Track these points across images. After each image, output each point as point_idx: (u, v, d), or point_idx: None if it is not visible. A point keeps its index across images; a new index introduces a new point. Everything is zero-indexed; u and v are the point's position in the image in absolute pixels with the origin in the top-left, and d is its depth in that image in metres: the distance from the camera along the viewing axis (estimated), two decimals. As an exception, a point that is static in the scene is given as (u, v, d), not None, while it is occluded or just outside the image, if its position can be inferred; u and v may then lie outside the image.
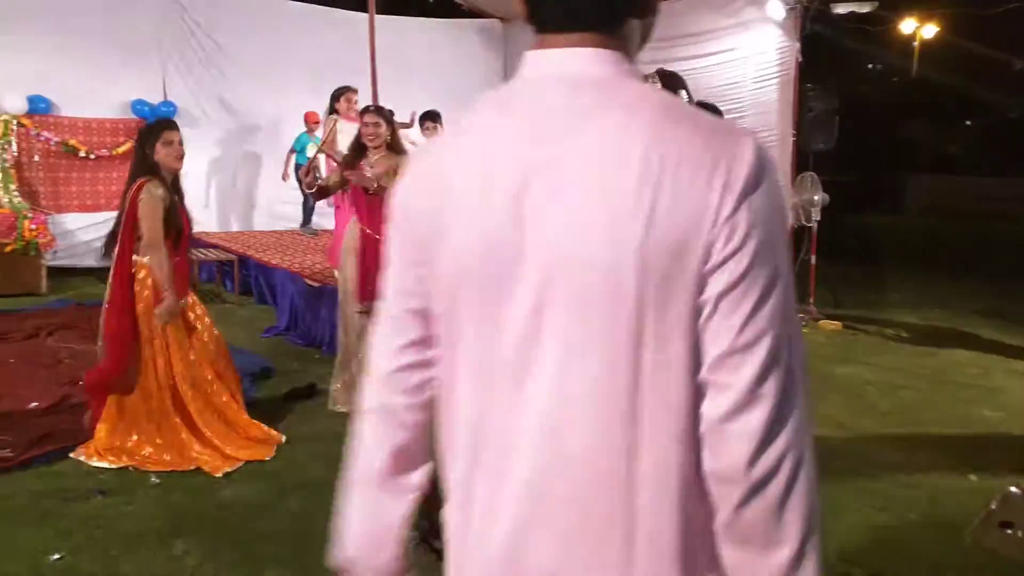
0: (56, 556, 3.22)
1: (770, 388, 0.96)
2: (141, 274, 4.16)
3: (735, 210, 0.95)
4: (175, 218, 4.18)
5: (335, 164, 5.90)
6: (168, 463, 4.08)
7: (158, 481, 3.94)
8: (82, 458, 4.11)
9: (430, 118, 7.34)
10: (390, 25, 9.92)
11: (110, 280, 4.25)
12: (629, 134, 0.98)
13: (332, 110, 7.68)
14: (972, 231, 13.66)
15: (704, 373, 0.98)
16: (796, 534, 0.98)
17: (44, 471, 4.01)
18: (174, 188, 4.26)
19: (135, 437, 4.16)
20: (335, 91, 7.73)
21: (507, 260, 1.02)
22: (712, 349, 0.97)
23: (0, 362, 5.75)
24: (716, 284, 0.95)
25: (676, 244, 0.95)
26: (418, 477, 1.23)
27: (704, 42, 9.27)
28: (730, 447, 0.97)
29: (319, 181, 5.34)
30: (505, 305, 1.03)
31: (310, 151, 9.52)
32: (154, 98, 9.54)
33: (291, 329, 6.94)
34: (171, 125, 4.31)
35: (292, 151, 9.73)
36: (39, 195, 9.13)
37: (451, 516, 1.15)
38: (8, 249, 8.20)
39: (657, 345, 0.97)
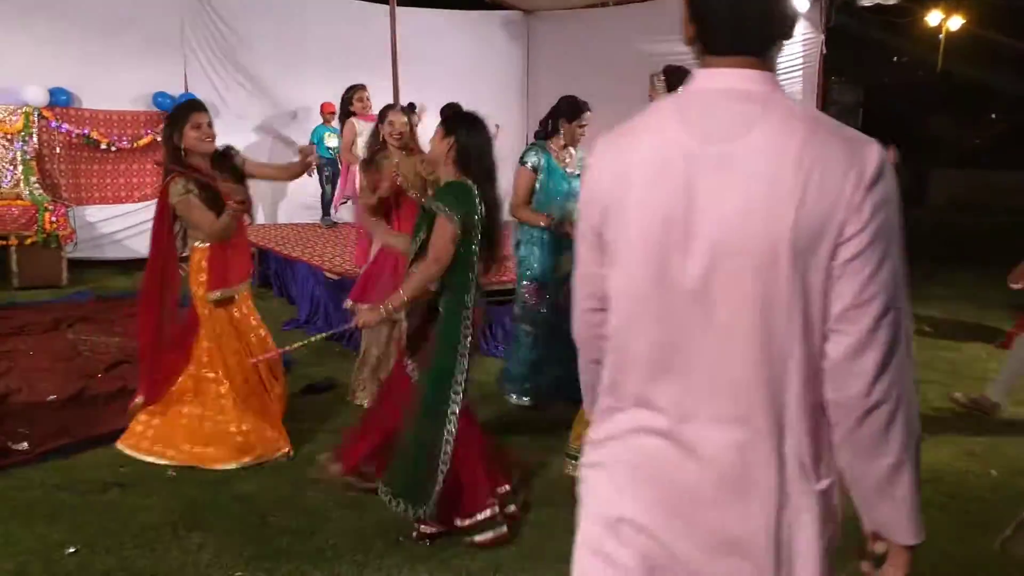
0: (71, 550, 3.21)
1: (881, 336, 1.28)
2: (195, 257, 4.09)
3: (863, 200, 1.26)
4: (218, 203, 4.00)
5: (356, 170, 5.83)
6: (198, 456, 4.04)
7: (174, 474, 3.92)
8: (126, 450, 4.10)
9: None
10: (412, 17, 9.88)
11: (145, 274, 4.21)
12: (785, 138, 1.29)
13: (347, 113, 7.64)
14: (996, 225, 13.48)
15: (830, 323, 1.30)
16: (897, 449, 1.34)
17: (60, 464, 4.00)
18: (217, 166, 4.11)
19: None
20: (345, 93, 7.68)
21: (679, 232, 1.33)
22: (837, 304, 1.29)
23: (19, 354, 5.76)
24: (844, 254, 1.27)
25: (818, 223, 1.26)
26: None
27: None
28: (849, 381, 1.30)
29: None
30: (676, 273, 1.34)
31: (328, 141, 9.52)
32: (175, 90, 9.53)
33: (310, 322, 6.91)
34: (198, 106, 4.13)
35: (312, 143, 9.73)
36: (60, 187, 9.15)
37: (618, 425, 1.47)
38: (29, 241, 8.24)
39: (799, 300, 1.29)
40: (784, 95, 1.37)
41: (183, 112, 4.06)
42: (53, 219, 8.36)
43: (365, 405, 4.79)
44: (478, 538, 3.32)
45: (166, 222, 4.05)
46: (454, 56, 10.74)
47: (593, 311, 1.53)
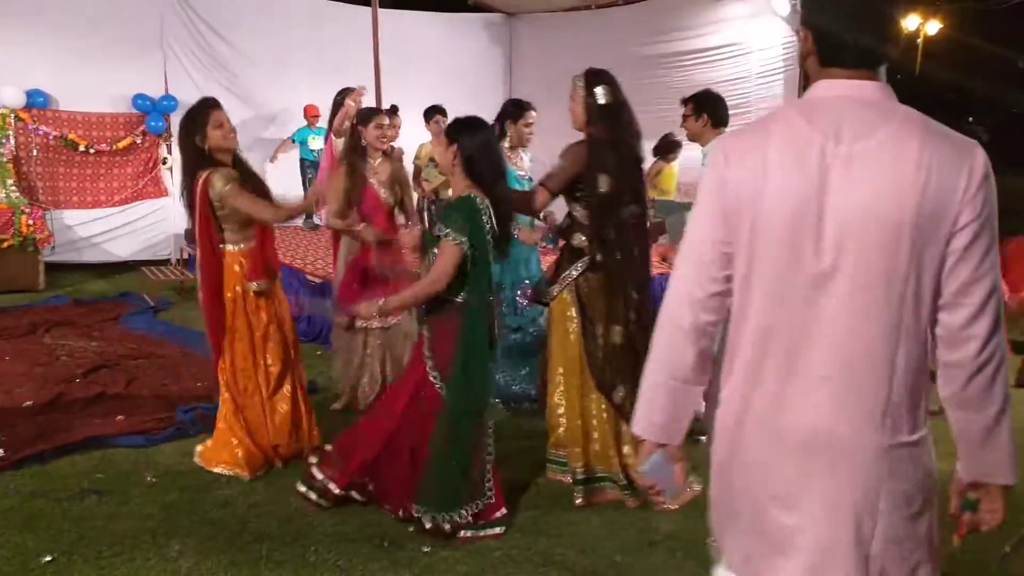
0: (48, 558, 3.15)
1: (991, 306, 1.56)
2: (227, 260, 3.95)
3: (975, 193, 1.53)
4: (263, 191, 3.95)
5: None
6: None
7: (154, 480, 3.87)
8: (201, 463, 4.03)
9: (438, 112, 7.25)
10: (394, 19, 9.85)
11: (198, 274, 4.07)
12: (905, 140, 1.54)
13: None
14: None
15: (946, 298, 1.57)
16: (1000, 399, 1.61)
17: (37, 470, 3.93)
18: (237, 168, 3.94)
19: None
20: (337, 96, 7.58)
21: (811, 218, 1.57)
22: (954, 282, 1.55)
23: (-5, 359, 5.68)
24: (959, 241, 1.54)
25: (936, 212, 1.52)
26: (707, 376, 1.79)
27: (709, 35, 9.21)
28: (967, 344, 1.57)
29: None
30: (807, 249, 1.58)
31: (312, 143, 9.48)
32: (155, 92, 9.45)
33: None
34: (216, 104, 3.92)
35: (291, 141, 9.70)
36: (37, 190, 9.04)
37: (730, 396, 1.74)
38: (5, 245, 8.13)
39: (914, 278, 1.55)
40: (898, 103, 1.61)
41: (201, 112, 3.86)
42: (30, 222, 8.27)
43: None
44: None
45: (209, 221, 3.86)
46: (436, 58, 10.72)
47: (706, 291, 1.72)
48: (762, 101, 8.76)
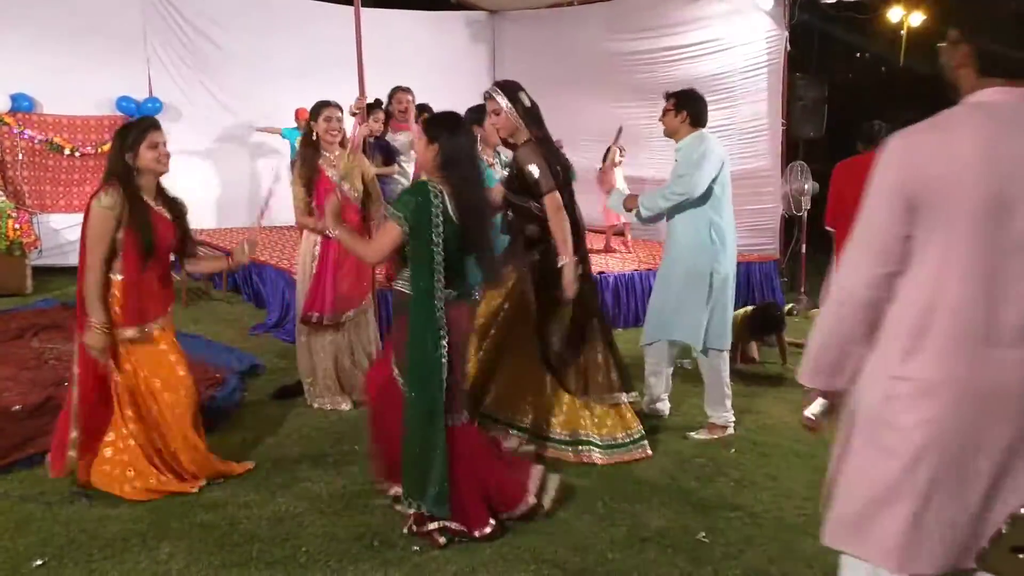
0: (39, 562, 3.16)
1: None
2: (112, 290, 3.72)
3: None
4: (144, 229, 3.66)
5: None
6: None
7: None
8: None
9: (423, 110, 7.27)
10: (377, 18, 9.84)
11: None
12: None
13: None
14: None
15: None
16: None
17: (26, 475, 3.94)
18: (159, 194, 3.81)
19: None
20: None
21: (1006, 204, 1.80)
22: None
23: (-17, 364, 5.67)
24: None
25: None
26: (869, 344, 2.00)
27: (692, 31, 9.22)
28: None
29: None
30: (1002, 229, 1.80)
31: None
32: (139, 94, 9.43)
33: (279, 326, 6.87)
34: (157, 125, 3.78)
35: (281, 134, 9.69)
36: (23, 194, 9.02)
37: (922, 368, 1.90)
38: (-8, 249, 8.11)
39: None
40: None
41: (141, 129, 3.71)
42: (17, 226, 8.25)
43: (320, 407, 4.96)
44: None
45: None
46: (420, 56, 10.71)
47: (882, 271, 1.93)
48: (746, 95, 8.78)
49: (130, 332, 3.73)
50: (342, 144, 4.92)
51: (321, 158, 4.86)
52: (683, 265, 4.54)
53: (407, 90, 7.26)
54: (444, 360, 3.34)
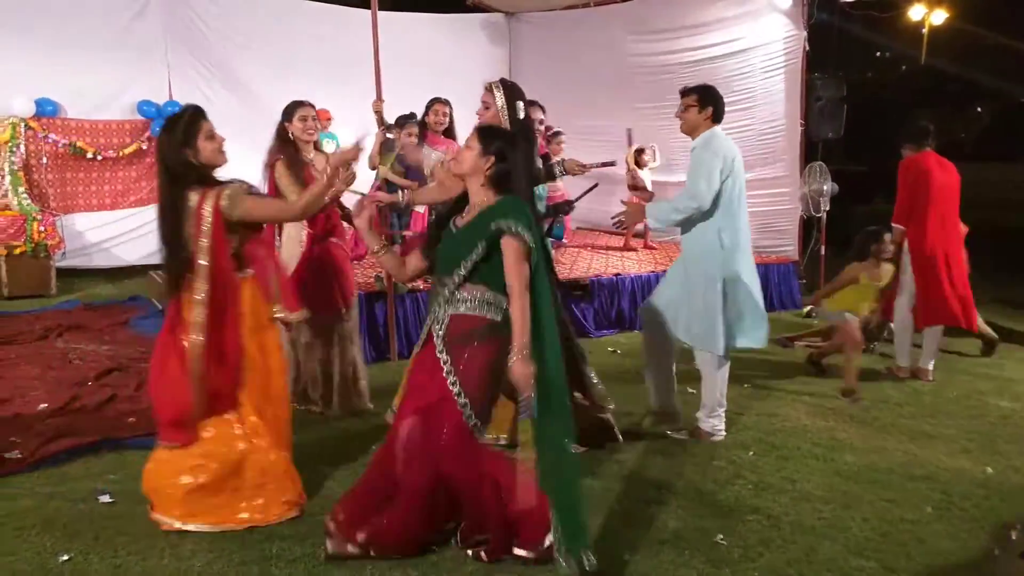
0: (65, 557, 3.22)
1: None
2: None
3: None
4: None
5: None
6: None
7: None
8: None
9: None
10: (394, 22, 9.89)
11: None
12: None
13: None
14: (980, 218, 13.54)
15: None
16: None
17: (52, 472, 4.01)
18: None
19: None
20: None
21: None
22: None
23: (9, 364, 5.76)
24: None
25: None
26: None
27: (710, 32, 9.21)
28: None
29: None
30: None
31: (325, 147, 9.55)
32: (160, 98, 9.53)
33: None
34: (203, 113, 3.54)
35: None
36: (48, 197, 9.14)
37: None
38: (18, 251, 8.23)
39: None
40: None
41: (193, 122, 3.48)
42: (41, 229, 8.37)
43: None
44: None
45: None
46: (437, 60, 10.75)
47: None
48: (765, 96, 8.77)
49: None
50: (316, 147, 4.80)
51: (304, 158, 4.72)
52: (695, 268, 4.50)
53: (446, 102, 6.42)
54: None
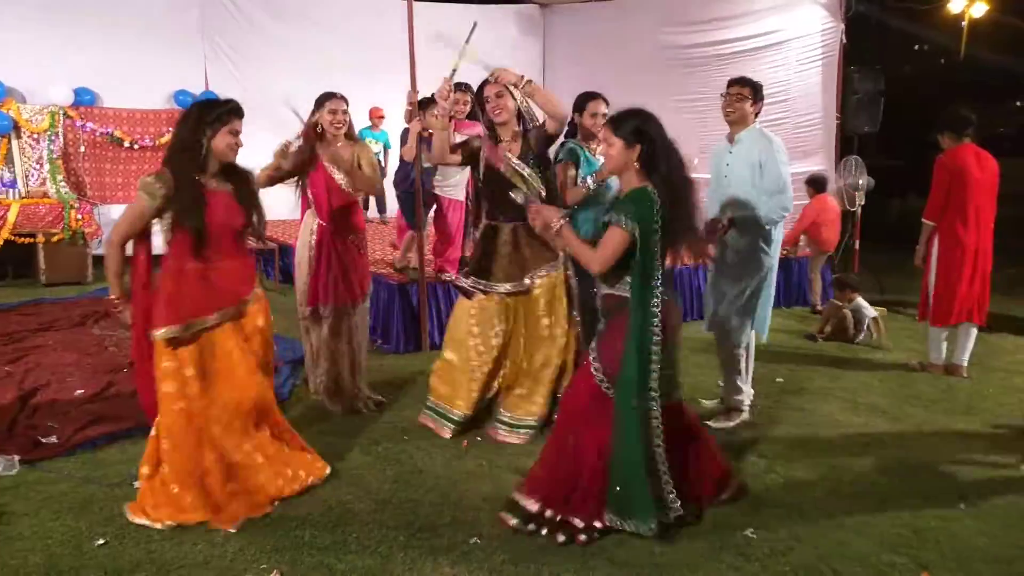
0: (100, 541, 3.27)
1: None
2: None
3: None
4: (195, 214, 3.55)
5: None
6: None
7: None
8: None
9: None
10: (429, 12, 9.90)
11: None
12: None
13: None
14: (1020, 214, 13.32)
15: None
16: None
17: (88, 457, 4.08)
18: (228, 178, 3.62)
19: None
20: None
21: None
22: None
23: (47, 350, 5.86)
24: None
25: None
26: None
27: (746, 24, 9.13)
28: None
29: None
30: None
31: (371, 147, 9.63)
32: (196, 88, 9.63)
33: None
34: (241, 113, 3.60)
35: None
36: (85, 185, 9.29)
37: None
38: (56, 239, 8.37)
39: None
40: None
41: (223, 113, 3.51)
42: (79, 216, 8.50)
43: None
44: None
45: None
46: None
47: None
48: (801, 88, 8.69)
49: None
50: (348, 136, 4.81)
51: (322, 148, 4.72)
52: (754, 257, 4.61)
53: (466, 89, 6.39)
54: (657, 363, 3.30)
